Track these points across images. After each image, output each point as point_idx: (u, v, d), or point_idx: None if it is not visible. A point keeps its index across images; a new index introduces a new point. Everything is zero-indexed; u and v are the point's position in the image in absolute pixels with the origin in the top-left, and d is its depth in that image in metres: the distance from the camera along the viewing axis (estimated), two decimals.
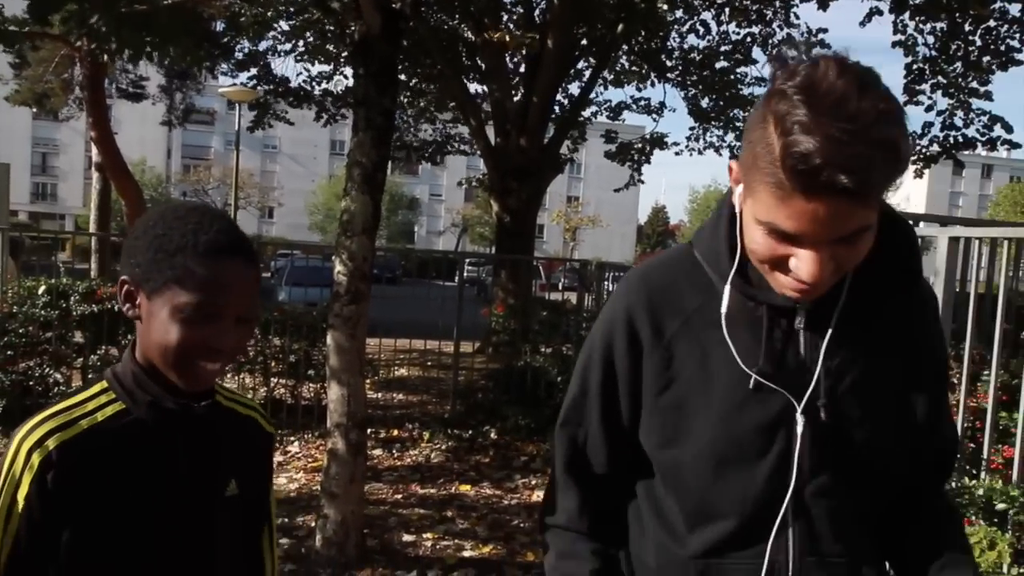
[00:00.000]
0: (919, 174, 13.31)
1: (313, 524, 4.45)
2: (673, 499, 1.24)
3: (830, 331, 1.16)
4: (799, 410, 1.15)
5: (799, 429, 1.15)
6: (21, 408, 6.29)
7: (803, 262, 1.03)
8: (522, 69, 13.49)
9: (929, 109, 12.66)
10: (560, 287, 15.35)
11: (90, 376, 6.53)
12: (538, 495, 5.69)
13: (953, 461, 1.38)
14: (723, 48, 14.12)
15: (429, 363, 10.18)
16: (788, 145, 0.96)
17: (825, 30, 13.84)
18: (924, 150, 12.98)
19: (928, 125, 12.82)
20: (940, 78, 12.15)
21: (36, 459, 1.13)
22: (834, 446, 1.16)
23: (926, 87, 12.36)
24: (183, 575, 1.24)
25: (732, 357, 1.17)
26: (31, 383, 6.37)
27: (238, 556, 1.34)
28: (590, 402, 1.30)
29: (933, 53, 11.95)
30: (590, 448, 1.31)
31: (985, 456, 3.43)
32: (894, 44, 12.09)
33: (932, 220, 4.30)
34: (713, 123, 15.33)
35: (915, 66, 12.21)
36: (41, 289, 6.60)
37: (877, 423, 1.17)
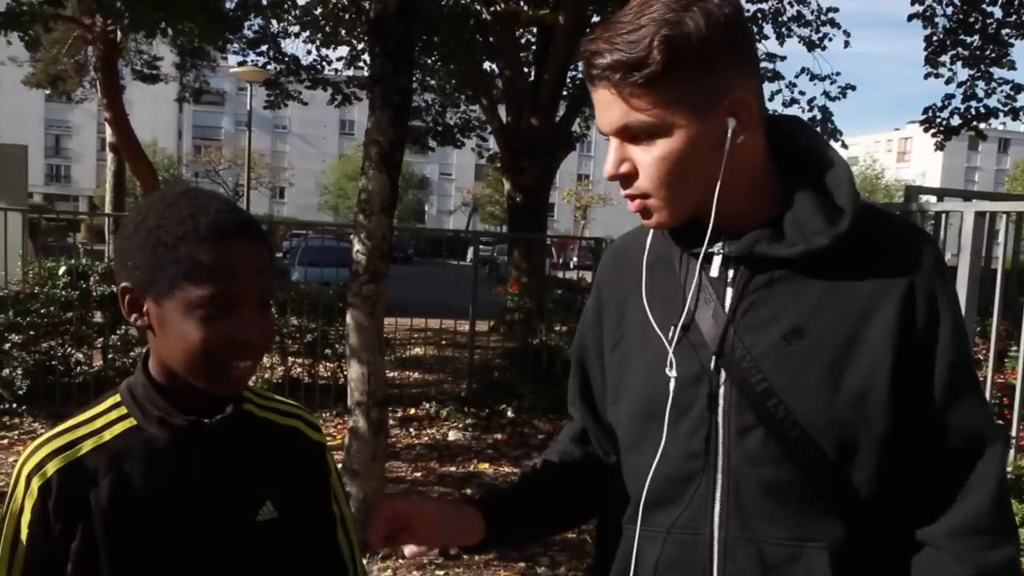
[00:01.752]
0: (940, 147, 13.17)
1: None
2: (616, 461, 1.24)
3: (739, 277, 1.10)
4: (712, 364, 1.09)
5: (716, 386, 1.09)
6: (44, 387, 6.37)
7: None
8: (534, 47, 13.41)
9: (949, 81, 12.52)
10: (572, 265, 15.33)
11: (111, 356, 6.60)
12: None
13: (988, 484, 1.06)
14: None
15: (443, 342, 10.21)
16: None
17: (836, 9, 13.69)
18: (944, 122, 12.84)
19: (949, 97, 12.68)
20: (960, 49, 12.00)
21: (35, 484, 1.05)
22: (758, 409, 1.06)
23: (946, 59, 12.21)
24: None
25: (663, 309, 1.15)
26: (53, 363, 6.43)
27: None
28: (572, 375, 1.37)
29: (952, 24, 11.80)
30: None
31: (1014, 434, 3.41)
32: (911, 17, 11.94)
33: (955, 195, 4.27)
34: None
35: (935, 38, 12.06)
36: (61, 270, 6.64)
37: (812, 387, 1.05)
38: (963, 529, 1.06)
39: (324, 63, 14.77)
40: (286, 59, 14.60)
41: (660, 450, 1.12)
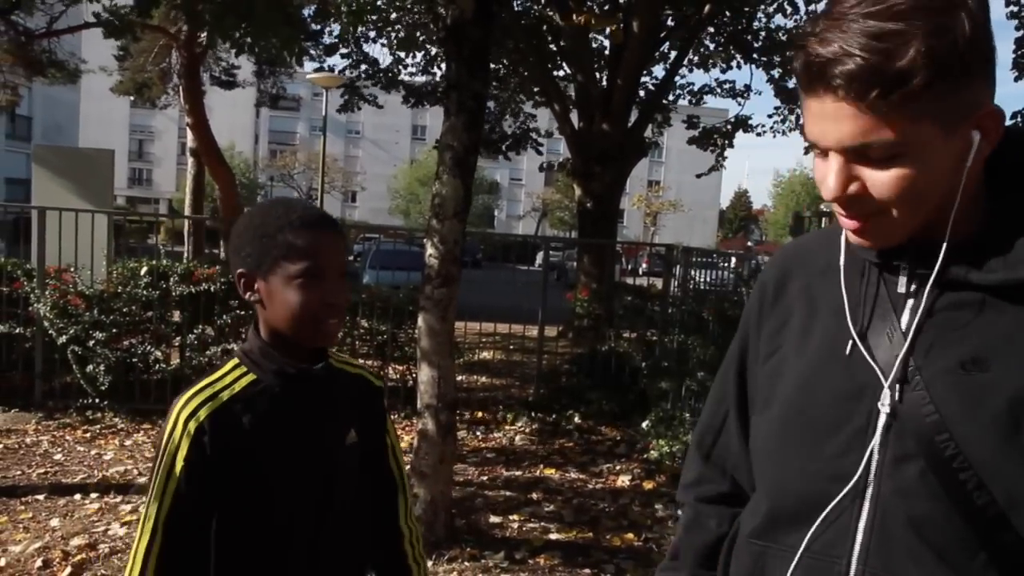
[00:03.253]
0: None
1: None
2: (754, 472, 1.16)
3: (923, 299, 0.99)
4: (885, 385, 0.98)
5: (884, 407, 0.98)
6: (125, 384, 6.59)
7: (824, 176, 0.96)
8: (607, 53, 13.36)
9: None
10: (641, 272, 15.20)
11: (187, 354, 6.79)
12: (623, 480, 5.68)
13: None
14: (810, 28, 13.67)
15: (512, 347, 10.23)
16: (797, 43, 0.94)
17: None
18: None
19: None
20: None
21: (192, 427, 1.35)
22: (923, 441, 0.95)
23: None
24: (310, 510, 1.43)
25: (835, 320, 1.05)
26: (134, 360, 6.65)
27: (353, 496, 1.51)
28: (728, 379, 1.25)
29: None
30: (727, 434, 1.26)
31: None
32: (1008, 16, 11.52)
33: None
34: (799, 103, 14.89)
35: None
36: (143, 270, 6.87)
37: (988, 424, 0.92)
38: None
39: (400, 67, 14.95)
40: (366, 61, 14.79)
41: (804, 467, 1.04)
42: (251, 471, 1.37)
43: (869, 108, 0.88)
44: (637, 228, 65.39)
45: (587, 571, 4.12)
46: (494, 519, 4.76)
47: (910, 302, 1.01)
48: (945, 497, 0.94)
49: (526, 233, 53.15)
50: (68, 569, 3.85)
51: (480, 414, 7.22)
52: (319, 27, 12.29)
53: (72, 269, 6.84)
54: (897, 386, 0.98)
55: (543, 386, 7.64)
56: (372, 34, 13.98)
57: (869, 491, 0.99)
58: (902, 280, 1.02)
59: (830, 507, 1.01)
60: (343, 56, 14.63)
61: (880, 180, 0.92)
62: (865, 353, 1.01)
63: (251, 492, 1.38)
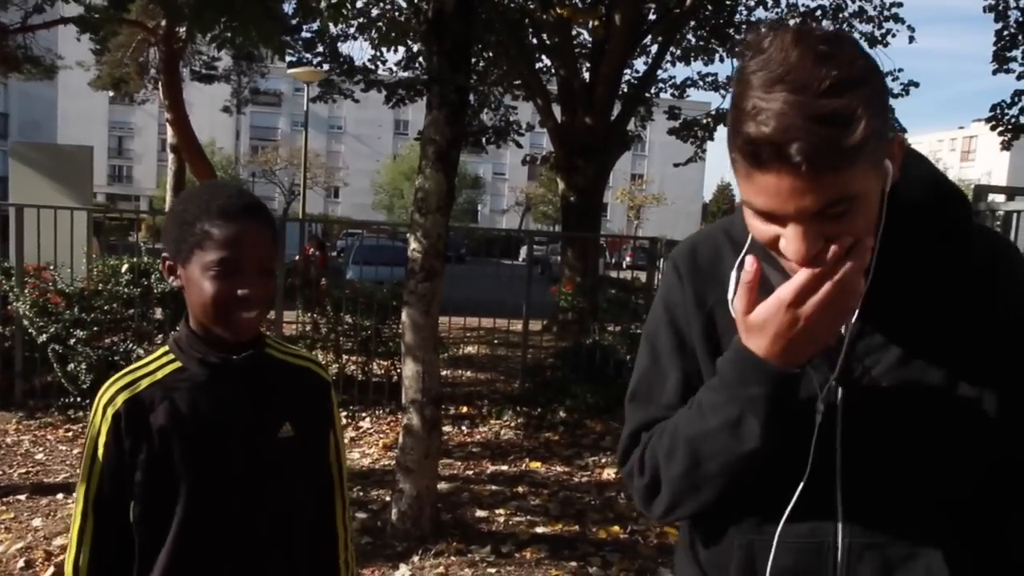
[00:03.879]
0: (1007, 145, 12.80)
1: (388, 498, 4.53)
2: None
3: (857, 304, 1.08)
4: (831, 380, 1.11)
5: (842, 406, 1.12)
6: (107, 381, 6.53)
7: (789, 241, 1.00)
8: (589, 46, 13.35)
9: (1021, 77, 12.14)
10: (625, 265, 15.22)
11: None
12: (608, 473, 5.69)
13: None
14: (791, 21, 13.75)
15: (496, 341, 10.22)
16: (735, 123, 0.96)
17: (900, 3, 13.36)
18: (1013, 120, 12.45)
19: (1019, 93, 12.29)
20: None
21: (109, 413, 1.37)
22: (875, 426, 1.11)
23: (1017, 54, 11.85)
24: (235, 503, 1.40)
25: None
26: (116, 358, 6.59)
27: (297, 492, 1.48)
28: (664, 364, 1.26)
29: None
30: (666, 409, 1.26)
31: None
32: (985, 9, 11.61)
33: None
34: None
35: (1006, 32, 11.71)
36: (124, 267, 6.81)
37: (924, 404, 1.09)
38: None
39: (380, 63, 14.87)
40: (341, 60, 14.73)
41: (771, 465, 1.12)
42: (165, 459, 1.36)
43: (823, 177, 0.93)
44: (621, 221, 65.56)
45: (573, 564, 4.12)
46: (480, 513, 4.76)
47: None
48: (898, 468, 1.11)
49: (510, 227, 53.13)
50: (51, 569, 3.81)
51: (465, 409, 7.21)
52: (298, 22, 12.19)
53: (51, 267, 6.77)
54: (842, 384, 1.12)
55: (528, 380, 7.64)
56: (352, 30, 13.91)
57: (838, 477, 1.12)
58: None
59: (811, 496, 1.12)
60: (315, 55, 14.56)
61: (843, 232, 0.99)
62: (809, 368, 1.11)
63: (166, 480, 1.36)
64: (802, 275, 1.01)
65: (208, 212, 1.34)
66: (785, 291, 1.02)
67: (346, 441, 6.29)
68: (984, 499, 1.13)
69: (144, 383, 1.39)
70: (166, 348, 1.45)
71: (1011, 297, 1.12)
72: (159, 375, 1.41)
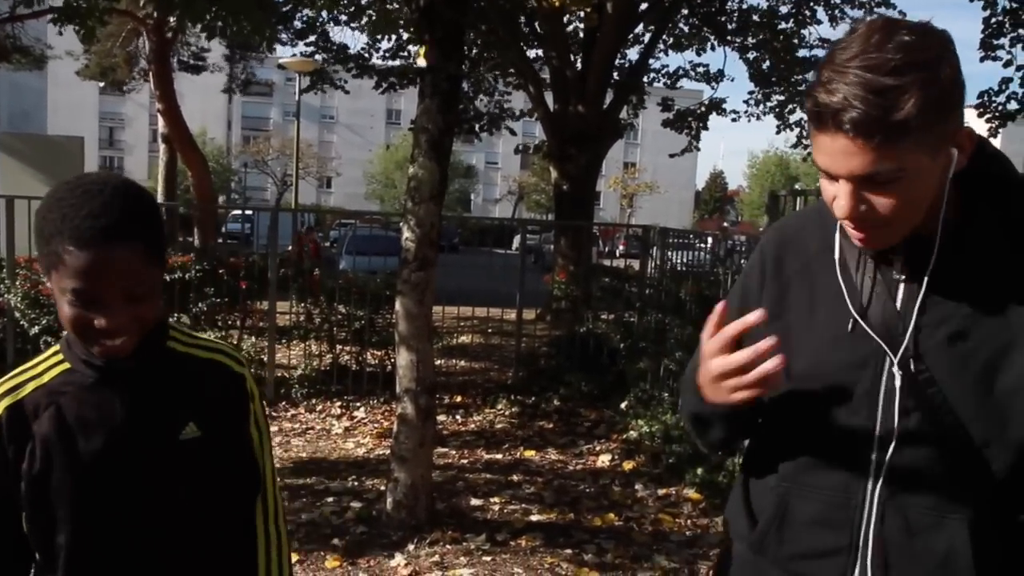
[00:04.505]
0: (994, 132, 12.82)
1: (383, 488, 4.53)
2: (770, 425, 1.38)
3: (925, 282, 1.21)
4: (888, 354, 1.21)
5: (888, 375, 1.21)
6: None
7: (838, 198, 1.15)
8: (581, 34, 13.31)
9: (1008, 64, 12.15)
10: (618, 253, 15.22)
11: None
12: (603, 461, 5.71)
13: None
14: (784, 8, 13.75)
15: (490, 330, 10.22)
16: (811, 89, 1.12)
17: None
18: (1001, 107, 12.47)
19: (1006, 81, 12.31)
20: (1021, 31, 11.63)
21: None
22: (921, 398, 1.19)
23: (1005, 41, 11.85)
24: (144, 511, 1.29)
25: (835, 301, 1.27)
26: None
27: (206, 498, 1.34)
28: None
29: (1013, 5, 11.44)
30: None
31: None
32: None
33: None
34: (775, 87, 14.95)
35: (993, 20, 11.71)
36: None
37: (969, 383, 1.17)
38: None
39: (373, 51, 14.80)
40: (334, 48, 14.65)
41: (824, 427, 1.26)
42: (46, 471, 1.24)
43: (874, 146, 1.07)
44: (614, 210, 65.56)
45: (568, 551, 4.14)
46: (475, 502, 4.78)
47: (902, 287, 1.23)
48: (936, 440, 1.19)
49: (503, 217, 53.07)
50: None
51: (459, 398, 7.22)
52: (289, 11, 12.11)
53: None
54: (899, 355, 1.21)
55: (522, 369, 7.65)
56: (344, 18, 13.84)
57: (877, 440, 1.22)
58: (897, 267, 1.24)
59: (851, 455, 1.24)
60: (308, 44, 14.46)
61: (884, 200, 1.12)
62: (868, 329, 1.23)
63: (48, 493, 1.25)
64: (735, 358, 1.19)
65: (61, 233, 1.15)
66: (715, 365, 1.22)
67: (340, 431, 6.33)
68: (1010, 481, 1.19)
69: (29, 387, 1.28)
70: (56, 348, 1.33)
71: None
72: (45, 378, 1.29)
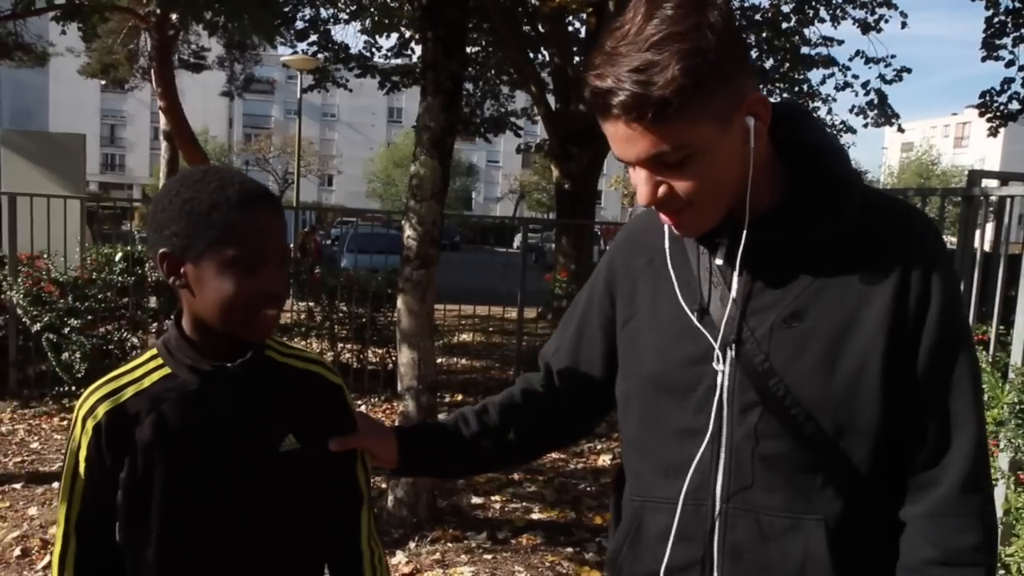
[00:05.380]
0: (994, 132, 12.81)
1: (384, 485, 4.54)
2: (626, 433, 1.30)
3: (737, 266, 1.14)
4: (716, 346, 1.14)
5: (720, 366, 1.14)
6: (102, 371, 6.50)
7: (636, 185, 1.10)
8: (582, 35, 13.30)
9: (1010, 64, 12.14)
10: None
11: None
12: (603, 460, 5.71)
13: (951, 468, 1.10)
14: (786, 7, 13.73)
15: (491, 329, 10.22)
16: (585, 77, 1.06)
17: None
18: (1003, 107, 12.46)
19: (1008, 81, 12.30)
20: (1023, 31, 11.63)
21: (90, 425, 1.23)
22: (760, 388, 1.11)
23: (1007, 41, 11.84)
24: (238, 525, 1.26)
25: (673, 294, 1.20)
26: (110, 347, 6.58)
27: (305, 512, 1.32)
28: (575, 316, 1.41)
29: (1016, 5, 11.42)
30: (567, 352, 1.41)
31: None
32: None
33: (1019, 179, 4.12)
34: (778, 84, 14.95)
35: (996, 19, 11.70)
36: (118, 256, 6.79)
37: (810, 367, 1.09)
38: (934, 511, 1.10)
39: (375, 49, 14.80)
40: (335, 47, 14.65)
41: (670, 427, 1.19)
42: (159, 476, 1.22)
43: (648, 127, 1.01)
44: (615, 209, 65.47)
45: (569, 550, 4.14)
46: (476, 500, 4.78)
47: (734, 273, 1.15)
48: (784, 434, 1.11)
49: (504, 215, 53.09)
50: (47, 558, 3.81)
51: (460, 396, 7.23)
52: (291, 11, 12.11)
53: (45, 256, 6.74)
54: (733, 346, 1.13)
55: (523, 367, 7.65)
56: (345, 16, 13.83)
57: (723, 439, 1.14)
58: (721, 253, 1.17)
59: (696, 460, 1.15)
60: (310, 44, 14.46)
61: (682, 183, 1.07)
62: (697, 322, 1.17)
63: (147, 502, 1.22)
64: None
65: (227, 200, 1.16)
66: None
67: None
68: (871, 475, 1.11)
69: (129, 392, 1.24)
70: (154, 351, 1.29)
71: (913, 275, 1.10)
72: (145, 383, 1.25)
